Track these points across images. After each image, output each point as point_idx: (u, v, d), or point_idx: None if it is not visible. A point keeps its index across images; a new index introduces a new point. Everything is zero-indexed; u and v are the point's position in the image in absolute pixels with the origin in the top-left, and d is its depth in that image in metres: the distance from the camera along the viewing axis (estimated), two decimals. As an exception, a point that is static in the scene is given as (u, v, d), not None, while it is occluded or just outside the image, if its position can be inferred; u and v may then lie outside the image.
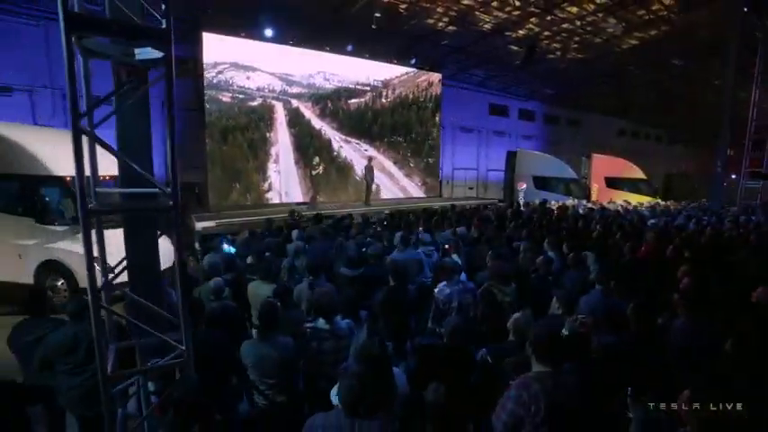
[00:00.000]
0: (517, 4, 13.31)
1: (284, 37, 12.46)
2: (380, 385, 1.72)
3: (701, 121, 26.13)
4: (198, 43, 11.39)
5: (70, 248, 6.09)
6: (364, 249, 4.75)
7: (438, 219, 7.53)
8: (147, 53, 2.05)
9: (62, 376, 2.51)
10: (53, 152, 6.44)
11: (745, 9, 10.51)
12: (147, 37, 1.90)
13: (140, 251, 2.43)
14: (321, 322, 2.63)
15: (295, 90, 13.04)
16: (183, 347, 2.02)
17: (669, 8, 13.15)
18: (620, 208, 10.47)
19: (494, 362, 2.50)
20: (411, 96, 15.84)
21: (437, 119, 16.87)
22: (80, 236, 6.38)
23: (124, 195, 2.47)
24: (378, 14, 11.66)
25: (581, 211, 9.48)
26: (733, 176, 25.20)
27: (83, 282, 6.08)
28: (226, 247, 11.33)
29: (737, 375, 2.29)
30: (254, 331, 3.64)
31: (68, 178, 6.36)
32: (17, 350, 2.75)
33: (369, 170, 12.41)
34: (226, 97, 11.80)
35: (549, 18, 14.34)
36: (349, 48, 13.40)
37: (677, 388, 1.85)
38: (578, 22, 14.52)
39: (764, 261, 4.59)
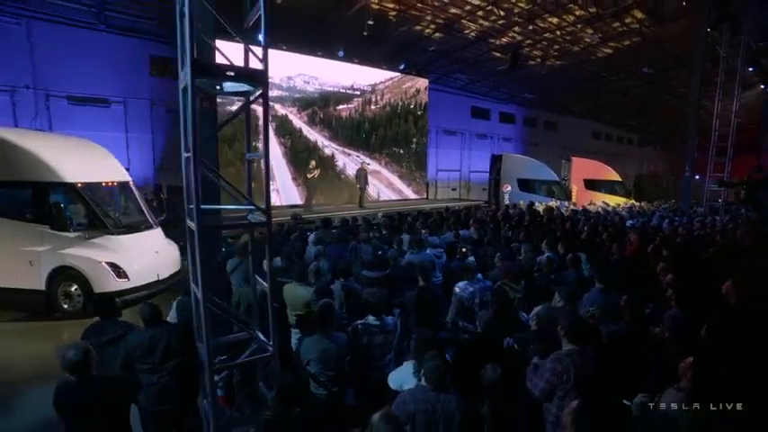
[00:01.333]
0: (502, 13, 13.98)
1: (274, 40, 12.60)
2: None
3: (668, 124, 27.79)
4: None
5: (84, 254, 6.16)
6: (380, 252, 5.12)
7: (436, 220, 7.97)
8: (234, 87, 2.37)
9: (140, 375, 2.78)
10: (62, 159, 6.49)
11: (708, 29, 11.50)
12: (251, 78, 2.22)
13: (211, 261, 2.70)
14: (371, 319, 3.00)
15: (275, 93, 12.70)
16: (271, 342, 2.34)
17: (641, 22, 14.16)
18: (600, 209, 11.25)
19: (519, 348, 2.94)
20: (401, 104, 16.16)
21: (427, 125, 17.44)
22: (92, 242, 6.43)
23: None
24: (371, 22, 12.00)
25: (565, 213, 10.17)
26: (696, 177, 26.85)
27: (97, 287, 6.18)
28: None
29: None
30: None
31: (79, 185, 6.43)
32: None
33: (361, 174, 12.76)
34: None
35: (531, 27, 15.11)
36: (340, 53, 13.66)
37: (671, 364, 2.34)
38: (558, 32, 15.36)
39: (729, 258, 5.26)
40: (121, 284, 6.27)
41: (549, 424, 2.35)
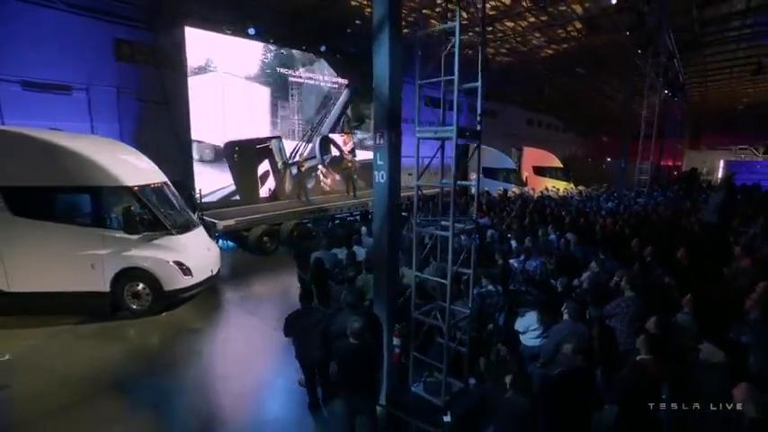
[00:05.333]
0: (467, 16, 15.48)
1: (264, 35, 12.77)
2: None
3: (590, 114, 32.08)
4: (166, 33, 11.37)
5: (151, 255, 6.55)
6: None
7: (436, 207, 9.36)
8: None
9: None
10: (114, 162, 6.67)
11: (639, 51, 14.22)
12: (474, 135, 3.37)
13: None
14: (491, 287, 4.36)
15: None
16: (469, 309, 3.55)
17: (579, 31, 16.65)
18: (555, 194, 13.54)
19: (579, 299, 4.51)
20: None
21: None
22: (156, 243, 6.99)
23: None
24: (359, 21, 12.75)
25: (535, 198, 12.24)
26: (608, 159, 32.02)
27: (167, 285, 6.64)
28: (221, 242, 11.78)
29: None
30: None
31: (135, 188, 6.69)
32: (295, 333, 3.92)
33: (351, 164, 13.67)
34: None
35: (489, 29, 16.88)
36: (323, 48, 14.17)
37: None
38: (511, 34, 17.36)
39: (670, 234, 7.47)
40: (187, 281, 6.79)
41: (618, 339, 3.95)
